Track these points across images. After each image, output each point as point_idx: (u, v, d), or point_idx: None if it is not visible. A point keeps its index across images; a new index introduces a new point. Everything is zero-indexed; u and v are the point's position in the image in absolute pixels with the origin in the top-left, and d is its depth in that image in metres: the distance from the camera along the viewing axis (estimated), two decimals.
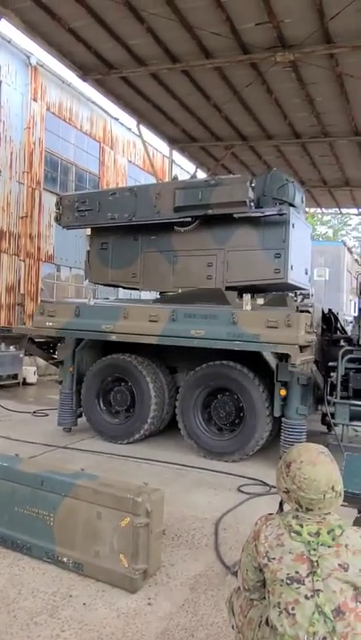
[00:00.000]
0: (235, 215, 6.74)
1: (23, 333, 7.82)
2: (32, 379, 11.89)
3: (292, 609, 1.78)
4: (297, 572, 1.81)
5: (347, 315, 11.92)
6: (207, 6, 7.90)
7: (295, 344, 5.23)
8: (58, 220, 8.21)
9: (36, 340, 7.44)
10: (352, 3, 7.30)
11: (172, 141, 14.15)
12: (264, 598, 1.97)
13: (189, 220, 7.16)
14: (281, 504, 2.17)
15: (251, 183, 6.57)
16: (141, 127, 13.03)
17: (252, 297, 5.92)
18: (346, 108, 11.04)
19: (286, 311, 5.56)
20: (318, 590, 1.77)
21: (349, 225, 42.09)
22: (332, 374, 6.10)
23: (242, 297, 6.09)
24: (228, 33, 8.51)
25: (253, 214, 6.69)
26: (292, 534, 1.88)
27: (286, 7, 7.77)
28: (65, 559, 3.29)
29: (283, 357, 5.83)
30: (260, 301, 6.02)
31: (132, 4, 8.06)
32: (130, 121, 14.50)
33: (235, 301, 6.17)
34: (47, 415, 8.25)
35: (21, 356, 11.69)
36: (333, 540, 1.84)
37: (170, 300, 6.45)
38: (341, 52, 8.80)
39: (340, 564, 1.80)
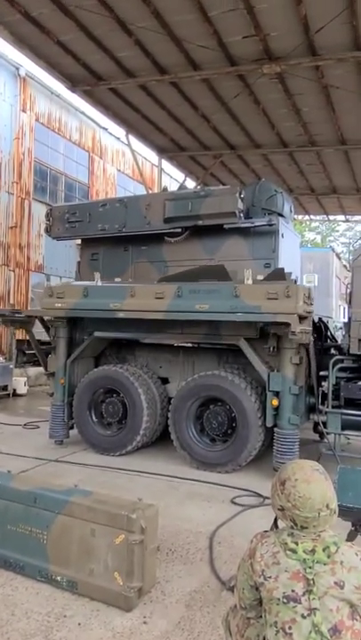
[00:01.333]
0: (225, 226, 6.79)
1: (31, 316, 7.71)
2: (22, 390, 11.80)
3: (289, 628, 1.78)
4: (293, 591, 1.82)
5: (336, 321, 12.01)
6: (195, 20, 7.97)
7: (294, 313, 5.37)
8: (48, 231, 8.22)
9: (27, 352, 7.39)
10: (336, 17, 7.41)
11: (161, 151, 14.21)
12: (261, 617, 1.97)
13: (179, 230, 7.20)
14: (276, 521, 2.17)
15: (240, 194, 6.63)
16: (130, 137, 13.07)
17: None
18: (332, 118, 11.17)
19: (285, 283, 5.68)
20: (315, 609, 1.78)
21: (337, 231, 42.44)
22: (323, 383, 6.13)
23: None
24: (215, 46, 8.59)
25: (243, 225, 6.75)
26: (288, 552, 1.88)
27: (272, 21, 7.87)
28: (59, 578, 3.26)
29: (274, 368, 5.88)
30: (260, 277, 6.15)
31: (121, 18, 8.11)
32: (119, 131, 14.55)
33: (236, 278, 6.24)
34: (38, 427, 8.19)
35: (11, 366, 11.63)
36: (329, 557, 1.85)
37: (173, 279, 6.48)
38: (327, 65, 8.91)
39: (335, 582, 1.81)
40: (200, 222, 6.90)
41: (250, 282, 5.78)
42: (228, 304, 5.69)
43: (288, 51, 8.46)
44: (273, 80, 9.61)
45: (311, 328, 5.91)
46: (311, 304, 5.82)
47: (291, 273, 6.30)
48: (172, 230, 7.20)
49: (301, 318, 5.53)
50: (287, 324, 5.44)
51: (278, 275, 6.07)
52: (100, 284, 6.78)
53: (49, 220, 8.10)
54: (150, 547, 3.20)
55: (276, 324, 5.65)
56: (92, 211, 7.76)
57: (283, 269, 6.26)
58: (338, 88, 9.66)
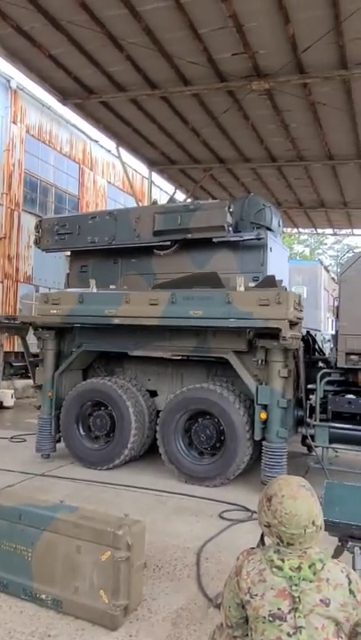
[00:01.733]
0: (214, 239, 6.84)
1: (26, 322, 7.63)
2: (9, 402, 11.68)
3: None
4: (279, 609, 1.81)
5: (325, 333, 12.08)
6: (185, 37, 8.10)
7: (285, 319, 5.50)
8: (37, 242, 8.20)
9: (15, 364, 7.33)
10: (323, 37, 7.58)
11: (152, 163, 14.32)
12: (247, 635, 1.95)
13: (169, 243, 7.23)
14: (262, 537, 2.17)
15: (229, 208, 6.69)
16: (121, 149, 13.16)
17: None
18: (319, 134, 11.36)
19: (276, 290, 5.81)
20: (300, 627, 1.77)
21: (325, 244, 42.86)
22: (311, 397, 6.15)
23: None
24: (205, 62, 8.72)
25: (232, 238, 6.81)
26: (274, 569, 1.88)
27: (261, 39, 8.02)
28: (43, 596, 3.20)
29: (262, 381, 5.89)
30: (252, 284, 6.30)
31: (112, 33, 8.22)
32: (109, 143, 14.65)
33: (228, 285, 6.35)
34: (25, 441, 8.09)
35: None
36: (315, 574, 1.84)
37: (167, 286, 6.56)
38: (314, 82, 9.10)
39: (321, 600, 1.80)
40: (189, 235, 6.94)
41: (242, 289, 5.90)
42: (221, 310, 5.79)
43: (276, 68, 8.62)
44: (262, 96, 9.77)
45: (301, 334, 6.01)
46: (301, 310, 5.97)
47: (281, 281, 6.43)
48: (161, 243, 7.23)
49: (292, 324, 5.65)
50: (277, 334, 5.53)
51: (269, 282, 6.20)
52: (95, 290, 6.81)
53: (38, 232, 8.09)
54: (137, 563, 3.16)
55: (265, 334, 5.72)
56: (81, 223, 7.77)
57: (273, 277, 6.38)
58: (325, 105, 9.84)
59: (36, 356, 7.64)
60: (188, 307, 5.95)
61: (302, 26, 7.57)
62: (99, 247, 7.59)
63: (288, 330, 5.51)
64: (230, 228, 6.73)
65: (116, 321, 6.33)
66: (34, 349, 7.77)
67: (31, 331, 7.50)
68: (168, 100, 10.39)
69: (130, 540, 3.07)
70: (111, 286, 7.33)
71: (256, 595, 1.86)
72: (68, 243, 7.89)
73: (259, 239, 6.81)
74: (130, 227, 7.30)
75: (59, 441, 7.10)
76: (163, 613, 3.25)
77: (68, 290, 7.14)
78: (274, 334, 5.68)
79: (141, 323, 6.23)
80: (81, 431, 6.85)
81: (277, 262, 7.36)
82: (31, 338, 7.74)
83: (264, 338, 5.79)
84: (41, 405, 7.15)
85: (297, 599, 1.80)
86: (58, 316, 6.75)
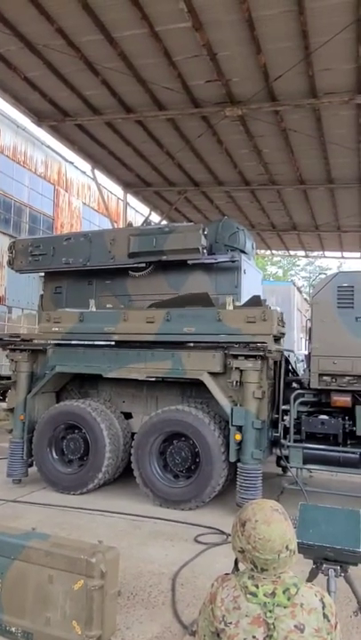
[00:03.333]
0: (188, 261, 6.91)
1: (28, 339, 7.42)
2: None
3: None
4: (254, 637, 1.79)
5: (297, 354, 12.23)
6: (160, 63, 8.30)
7: (270, 334, 5.95)
8: (11, 263, 8.13)
9: None
10: (294, 67, 7.86)
11: (127, 185, 14.46)
12: None
13: (144, 265, 7.27)
14: (236, 562, 2.15)
15: (203, 231, 6.79)
16: (96, 171, 13.26)
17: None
18: (291, 159, 11.69)
19: (262, 309, 6.20)
20: None
21: (298, 265, 43.70)
22: (285, 417, 6.20)
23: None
24: (179, 88, 8.93)
25: (207, 261, 6.89)
26: (248, 596, 1.86)
27: (234, 67, 8.29)
28: (13, 629, 3.09)
29: (237, 402, 5.91)
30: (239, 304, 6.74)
31: (88, 58, 8.36)
32: (85, 165, 14.74)
33: (218, 304, 6.70)
34: None
35: None
36: (289, 599, 1.83)
37: (161, 306, 6.80)
38: (285, 110, 9.41)
39: (295, 626, 1.79)
40: (164, 257, 7.00)
41: (230, 307, 6.26)
42: (213, 327, 6.18)
43: (249, 96, 8.89)
44: (235, 122, 10.03)
45: (282, 348, 6.32)
46: (284, 326, 6.34)
47: (265, 300, 6.75)
48: (136, 265, 7.26)
49: (276, 339, 6.10)
50: (253, 355, 5.78)
51: (255, 301, 6.54)
52: (94, 309, 7.05)
53: (12, 253, 8.03)
54: (110, 592, 3.08)
55: (239, 355, 5.86)
56: (56, 244, 7.75)
57: (259, 296, 6.75)
58: (296, 132, 10.16)
59: (8, 378, 7.50)
60: (182, 324, 6.30)
61: (274, 56, 7.85)
62: (73, 268, 7.56)
63: (273, 344, 5.92)
64: (205, 251, 6.83)
65: (115, 337, 6.65)
66: (6, 371, 7.62)
67: (2, 352, 7.34)
68: (143, 123, 10.56)
69: (104, 568, 3.00)
70: (107, 305, 7.50)
71: (231, 623, 1.84)
72: (42, 264, 7.85)
73: (233, 262, 6.92)
74: (105, 248, 7.32)
75: (31, 465, 6.94)
76: None
77: (67, 310, 7.18)
78: (250, 355, 5.77)
79: (139, 339, 6.52)
80: (54, 455, 6.71)
81: (251, 284, 7.47)
82: (2, 359, 7.59)
83: (238, 359, 5.84)
84: (13, 429, 6.99)
85: (272, 626, 1.79)
86: (59, 334, 6.95)
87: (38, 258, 7.73)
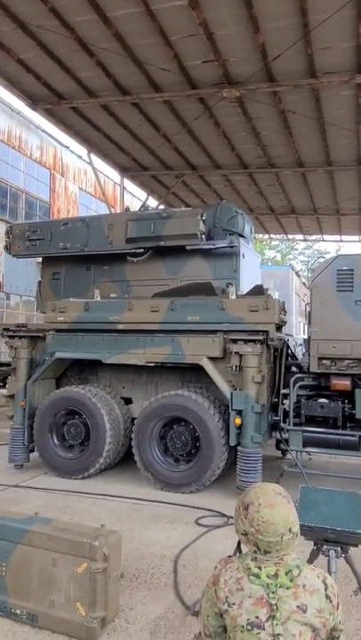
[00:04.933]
0: (187, 247, 6.87)
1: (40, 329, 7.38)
2: None
3: None
4: (257, 617, 1.81)
5: (296, 338, 12.25)
6: (156, 44, 8.14)
7: (272, 322, 5.95)
8: (8, 248, 8.08)
9: None
10: (292, 46, 7.73)
11: (123, 170, 14.31)
12: None
13: (142, 250, 7.23)
14: (239, 545, 2.17)
15: (202, 216, 6.74)
16: (92, 156, 13.11)
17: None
18: (290, 142, 11.55)
19: (264, 298, 6.22)
20: (278, 635, 1.77)
21: (296, 249, 43.62)
22: (284, 401, 6.22)
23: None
24: (176, 69, 8.78)
25: (205, 246, 6.86)
26: (251, 577, 1.88)
27: (231, 47, 8.13)
28: (18, 611, 3.14)
29: (236, 387, 5.93)
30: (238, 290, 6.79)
31: (83, 39, 8.20)
32: (81, 149, 14.57)
33: (221, 294, 6.74)
34: None
35: None
36: (291, 580, 1.85)
37: (166, 295, 6.84)
38: (284, 90, 9.27)
39: (298, 606, 1.81)
40: (162, 243, 6.96)
41: (234, 297, 6.26)
42: (216, 316, 6.16)
43: (247, 76, 8.74)
44: (232, 104, 9.88)
45: (283, 335, 6.33)
46: (285, 314, 6.36)
47: (268, 289, 6.73)
48: (134, 250, 7.22)
49: (278, 327, 6.12)
50: (253, 340, 5.79)
51: (258, 290, 6.57)
52: (99, 299, 7.05)
53: (9, 238, 7.98)
54: (113, 574, 3.13)
55: (238, 340, 5.87)
56: (53, 229, 7.70)
57: (262, 286, 6.75)
58: (294, 113, 10.03)
59: (7, 365, 7.50)
60: (186, 313, 6.28)
61: (272, 34, 7.71)
62: (71, 254, 7.53)
63: (275, 332, 5.95)
64: (203, 236, 6.80)
65: (120, 327, 6.62)
66: (5, 358, 7.62)
67: (2, 339, 7.33)
68: (139, 106, 10.41)
69: (106, 551, 3.04)
70: (112, 295, 7.48)
71: (234, 603, 1.86)
72: (40, 249, 7.81)
73: (231, 247, 6.89)
74: (102, 233, 7.27)
75: (32, 451, 6.98)
76: (140, 623, 3.22)
77: (72, 300, 7.14)
78: (249, 340, 5.78)
79: (143, 328, 6.50)
80: (55, 440, 6.74)
81: (250, 268, 7.44)
82: (2, 346, 7.59)
83: (238, 344, 5.85)
84: (13, 415, 7.02)
85: (274, 607, 1.81)
86: (65, 323, 6.89)
87: (36, 243, 7.69)
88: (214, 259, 7.07)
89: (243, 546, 2.06)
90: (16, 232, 7.94)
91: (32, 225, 8.16)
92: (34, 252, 7.98)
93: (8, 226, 8.37)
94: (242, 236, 7.30)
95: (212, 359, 6.07)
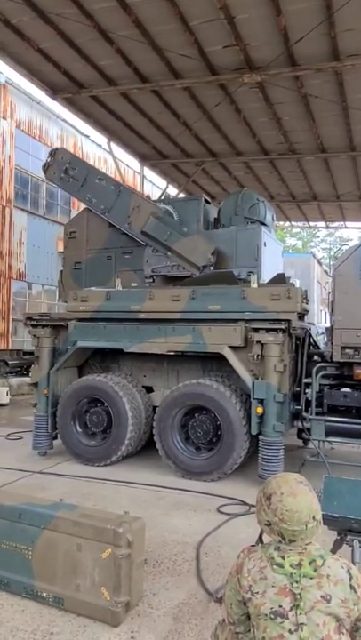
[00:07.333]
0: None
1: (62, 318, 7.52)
2: (4, 399, 11.64)
3: None
4: (280, 606, 1.82)
5: (318, 326, 12.14)
6: (176, 30, 8.04)
7: (294, 311, 5.89)
8: (45, 168, 8.19)
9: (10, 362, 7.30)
10: (315, 28, 7.54)
11: (143, 158, 14.24)
12: (249, 631, 1.97)
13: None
14: (261, 535, 2.18)
15: (213, 253, 6.77)
16: (112, 144, 13.07)
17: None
18: (311, 127, 11.33)
19: (286, 286, 6.15)
20: (302, 624, 1.79)
21: (318, 237, 42.98)
22: (307, 391, 6.18)
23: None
24: (196, 55, 8.66)
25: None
26: (275, 567, 1.89)
27: (252, 31, 7.97)
28: (45, 594, 3.22)
29: (258, 376, 5.91)
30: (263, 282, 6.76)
31: (102, 27, 8.14)
32: (101, 138, 14.54)
33: (242, 282, 6.71)
34: (21, 438, 8.10)
35: None
36: (315, 570, 1.86)
37: (187, 284, 6.85)
38: (306, 74, 9.06)
39: (322, 596, 1.82)
40: (168, 254, 7.04)
41: (255, 285, 6.20)
42: (237, 305, 6.14)
43: (268, 60, 8.57)
44: (253, 89, 9.72)
45: (305, 324, 6.29)
46: (308, 303, 6.31)
47: (290, 277, 6.66)
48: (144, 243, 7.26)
49: (300, 316, 6.05)
50: (275, 329, 5.77)
51: (280, 279, 6.52)
52: (120, 288, 7.08)
53: (51, 159, 8.05)
54: (137, 560, 3.18)
55: (260, 329, 5.85)
56: (90, 177, 7.75)
57: (283, 274, 6.67)
58: (317, 97, 9.81)
59: (30, 353, 7.60)
60: (207, 302, 6.26)
61: (294, 17, 7.53)
62: (92, 209, 7.56)
63: (297, 321, 5.89)
64: (204, 269, 6.88)
65: (142, 316, 6.63)
66: (28, 347, 7.73)
67: (25, 328, 7.44)
68: (159, 93, 10.32)
69: (130, 538, 3.08)
70: (133, 284, 7.51)
71: (257, 592, 1.88)
72: (69, 187, 7.91)
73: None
74: (126, 210, 7.26)
75: (55, 438, 7.10)
76: (164, 608, 3.27)
77: (93, 289, 7.20)
78: (271, 329, 5.74)
79: (165, 317, 6.50)
80: (78, 428, 6.85)
81: (272, 257, 7.38)
82: (25, 335, 7.69)
83: (259, 333, 5.82)
84: (37, 403, 7.14)
85: (298, 596, 1.82)
86: (88, 312, 6.94)
87: (70, 179, 7.75)
88: (236, 247, 7.04)
89: (265, 536, 2.07)
90: (58, 158, 8.02)
91: (74, 160, 8.22)
92: (64, 186, 8.05)
93: (55, 148, 8.43)
94: (263, 224, 7.23)
95: (234, 348, 6.06)
